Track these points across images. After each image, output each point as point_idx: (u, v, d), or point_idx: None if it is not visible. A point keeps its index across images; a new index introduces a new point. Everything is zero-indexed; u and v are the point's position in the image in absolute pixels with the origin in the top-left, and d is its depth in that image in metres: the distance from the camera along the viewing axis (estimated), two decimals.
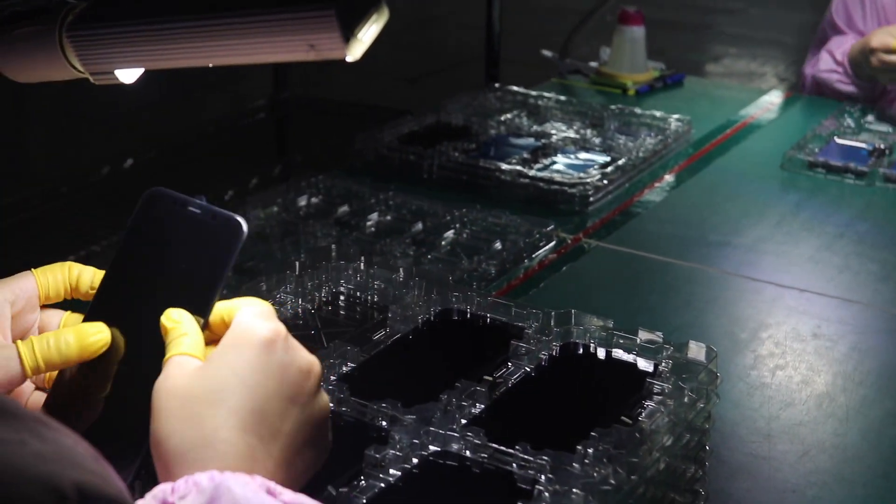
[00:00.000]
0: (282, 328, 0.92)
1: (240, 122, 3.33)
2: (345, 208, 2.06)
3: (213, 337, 0.95)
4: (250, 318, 0.92)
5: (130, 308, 0.99)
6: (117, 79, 1.01)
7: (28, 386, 1.02)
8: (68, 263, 1.01)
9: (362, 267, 1.64)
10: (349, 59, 0.88)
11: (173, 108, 3.24)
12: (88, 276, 1.02)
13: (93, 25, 0.98)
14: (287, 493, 0.84)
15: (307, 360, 0.92)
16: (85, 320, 0.99)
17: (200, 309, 0.96)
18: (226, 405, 0.87)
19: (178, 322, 0.95)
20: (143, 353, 0.97)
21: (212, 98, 3.42)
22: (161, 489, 0.83)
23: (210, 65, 0.94)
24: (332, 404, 1.16)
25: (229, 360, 0.90)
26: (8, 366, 0.95)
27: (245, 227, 0.96)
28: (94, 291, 1.01)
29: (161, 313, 0.96)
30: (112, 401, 0.98)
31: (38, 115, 3.11)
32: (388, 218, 2.04)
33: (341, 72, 3.42)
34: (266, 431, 0.89)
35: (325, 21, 0.86)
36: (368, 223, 2.01)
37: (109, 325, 0.98)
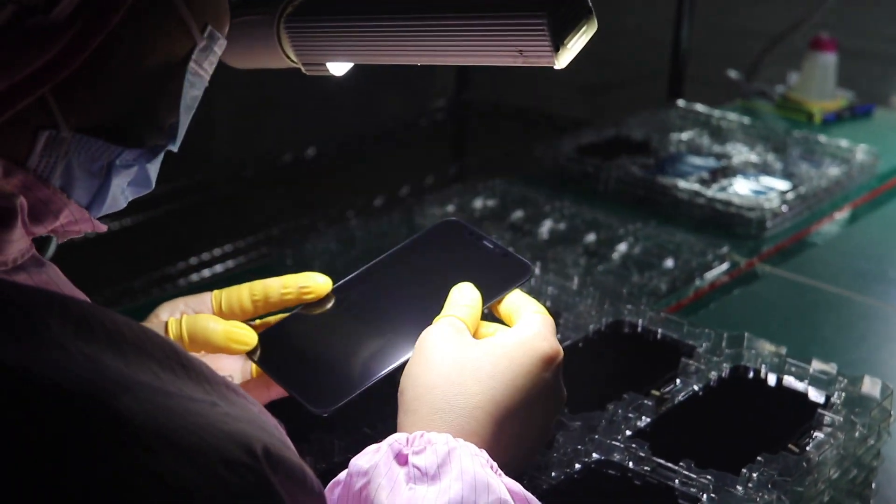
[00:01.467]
0: (561, 352, 1.00)
1: (419, 120, 3.38)
2: (519, 213, 2.09)
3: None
4: (539, 326, 1.00)
5: (385, 297, 1.08)
6: (328, 71, 1.06)
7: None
8: (248, 284, 1.10)
9: (537, 272, 1.66)
10: (557, 67, 0.91)
11: (357, 103, 3.31)
12: (277, 285, 1.09)
13: (309, 19, 1.02)
14: (507, 478, 0.91)
15: (562, 389, 1.01)
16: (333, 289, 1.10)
17: None
18: (491, 393, 0.94)
19: (468, 293, 1.03)
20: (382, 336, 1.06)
21: (394, 96, 3.48)
22: (396, 439, 0.91)
23: (419, 63, 0.98)
24: None
25: (509, 353, 0.97)
26: (203, 308, 1.09)
27: (533, 270, 1.07)
28: (287, 296, 1.09)
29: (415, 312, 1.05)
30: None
31: (227, 99, 3.21)
32: (562, 226, 2.05)
33: (523, 77, 3.45)
34: (511, 431, 0.95)
35: (537, 28, 0.88)
36: (542, 230, 2.03)
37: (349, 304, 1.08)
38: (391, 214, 2.07)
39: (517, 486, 0.91)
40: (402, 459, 0.89)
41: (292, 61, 1.05)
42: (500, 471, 0.90)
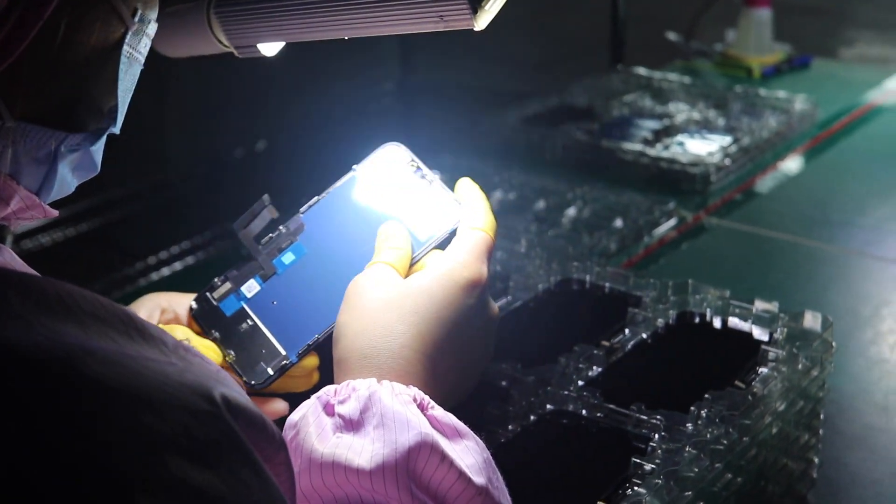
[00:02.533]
0: (486, 273, 1.02)
1: (367, 105, 3.41)
2: None
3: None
4: (466, 254, 1.02)
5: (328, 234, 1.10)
6: (259, 52, 1.09)
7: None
8: None
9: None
10: (476, 28, 0.95)
11: (305, 92, 3.33)
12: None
13: (238, 1, 1.06)
14: (438, 410, 0.93)
15: (493, 310, 1.03)
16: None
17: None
18: (416, 329, 0.97)
19: (394, 235, 1.05)
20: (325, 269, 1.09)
21: (341, 83, 3.50)
22: (325, 391, 0.94)
23: (346, 37, 1.01)
24: None
25: (429, 286, 0.99)
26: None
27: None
28: None
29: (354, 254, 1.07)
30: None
31: (174, 97, 3.22)
32: (512, 196, 2.10)
33: (466, 58, 3.48)
34: (441, 363, 0.98)
35: None
36: (491, 200, 2.07)
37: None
38: None
39: (448, 418, 0.93)
40: (329, 410, 0.92)
41: (224, 45, 1.08)
42: (431, 403, 0.92)
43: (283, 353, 1.07)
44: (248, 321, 1.09)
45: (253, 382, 1.07)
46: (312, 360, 1.10)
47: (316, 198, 1.13)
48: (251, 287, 1.11)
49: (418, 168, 1.11)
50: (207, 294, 1.11)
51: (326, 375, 1.05)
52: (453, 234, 1.06)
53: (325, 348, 1.05)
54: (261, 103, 3.27)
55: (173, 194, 2.87)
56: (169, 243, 2.33)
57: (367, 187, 1.11)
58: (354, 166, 1.13)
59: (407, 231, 1.06)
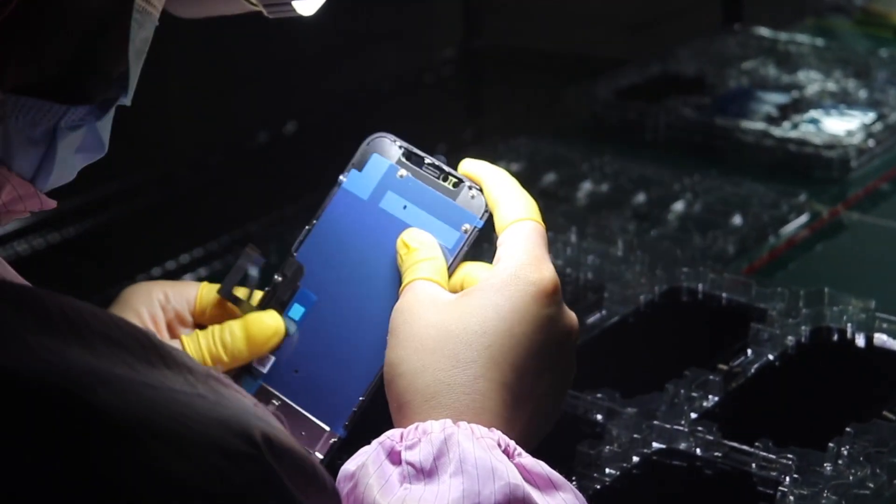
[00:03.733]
0: (556, 277, 0.99)
1: (423, 77, 3.42)
2: (551, 176, 2.15)
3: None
4: (527, 256, 0.98)
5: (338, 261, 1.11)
6: (294, 11, 1.11)
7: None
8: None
9: (574, 239, 1.73)
10: None
11: (343, 63, 3.36)
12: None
13: None
14: (527, 458, 0.92)
15: (571, 318, 1.00)
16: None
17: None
18: (489, 352, 0.94)
19: (421, 243, 1.03)
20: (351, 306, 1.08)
21: (389, 51, 3.52)
22: (389, 436, 0.93)
23: None
24: None
25: (495, 301, 0.96)
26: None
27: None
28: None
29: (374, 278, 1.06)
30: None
31: (180, 73, 3.25)
32: (604, 188, 2.11)
33: (548, 17, 3.50)
34: (521, 392, 0.96)
35: None
36: (580, 194, 2.09)
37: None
38: None
39: (540, 467, 0.92)
40: (395, 458, 0.91)
41: (251, 2, 1.10)
42: (517, 448, 0.92)
43: (328, 428, 1.07)
44: (274, 401, 1.10)
45: None
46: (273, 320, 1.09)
47: (306, 227, 1.11)
48: (263, 360, 1.12)
49: (416, 157, 1.09)
50: None
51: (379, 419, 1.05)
52: (482, 230, 1.05)
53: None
54: (290, 76, 3.30)
55: (181, 190, 2.89)
56: (176, 252, 2.36)
57: (362, 199, 1.10)
58: (341, 177, 1.11)
59: (430, 236, 1.04)
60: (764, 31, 2.74)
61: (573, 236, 1.75)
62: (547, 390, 0.99)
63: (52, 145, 0.83)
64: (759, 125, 2.26)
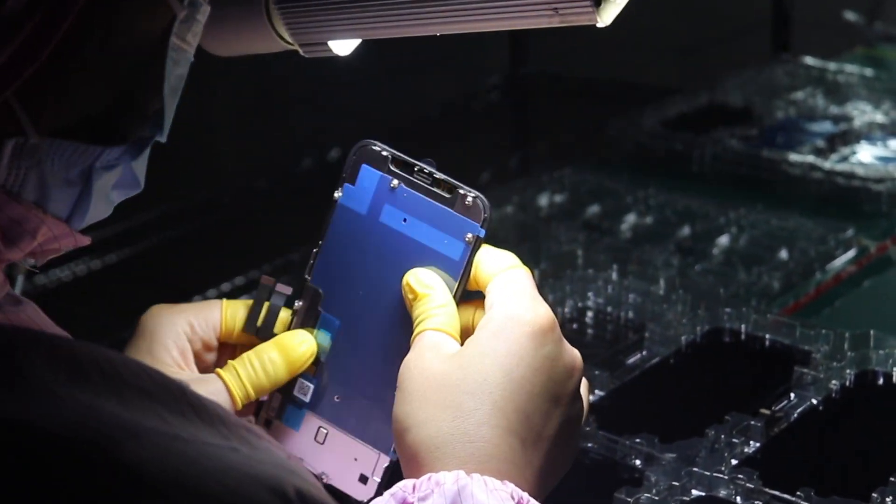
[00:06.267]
0: (551, 314, 0.98)
1: (469, 104, 3.42)
2: (595, 208, 2.13)
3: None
4: (517, 297, 0.98)
5: (350, 292, 1.09)
6: (331, 51, 1.10)
7: None
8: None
9: (615, 277, 1.71)
10: (600, 24, 0.95)
11: (389, 89, 3.36)
12: (286, 316, 1.11)
13: None
14: None
15: (572, 354, 0.99)
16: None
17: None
18: (491, 399, 0.94)
19: (430, 289, 1.02)
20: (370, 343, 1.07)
21: (435, 76, 3.52)
22: (401, 487, 0.92)
23: (437, 34, 1.03)
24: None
25: (492, 346, 0.96)
26: (217, 400, 1.01)
27: (487, 211, 1.04)
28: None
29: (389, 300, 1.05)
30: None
31: (226, 99, 3.25)
32: (648, 220, 2.10)
33: (595, 43, 3.48)
34: (529, 435, 0.95)
35: None
36: (623, 226, 2.07)
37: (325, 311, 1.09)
38: None
39: None
40: None
41: (287, 42, 1.10)
42: (530, 500, 0.92)
43: (379, 453, 1.07)
44: (321, 429, 1.09)
45: (363, 498, 1.07)
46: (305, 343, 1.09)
47: (314, 250, 1.11)
48: (303, 389, 1.11)
49: (405, 164, 1.07)
50: (262, 412, 1.12)
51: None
52: (484, 239, 1.03)
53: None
54: (334, 101, 3.30)
55: (223, 217, 2.90)
56: (219, 279, 2.35)
57: (361, 214, 1.09)
58: (336, 194, 1.10)
59: (438, 276, 1.03)
60: (812, 61, 2.73)
61: (614, 274, 1.73)
62: (557, 430, 0.98)
63: (88, 186, 0.83)
64: (807, 157, 2.24)
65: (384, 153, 1.08)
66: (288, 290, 1.12)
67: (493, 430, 0.94)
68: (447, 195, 1.05)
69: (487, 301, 0.99)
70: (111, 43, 0.80)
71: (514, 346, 0.96)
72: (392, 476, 0.99)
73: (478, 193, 1.04)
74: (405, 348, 1.01)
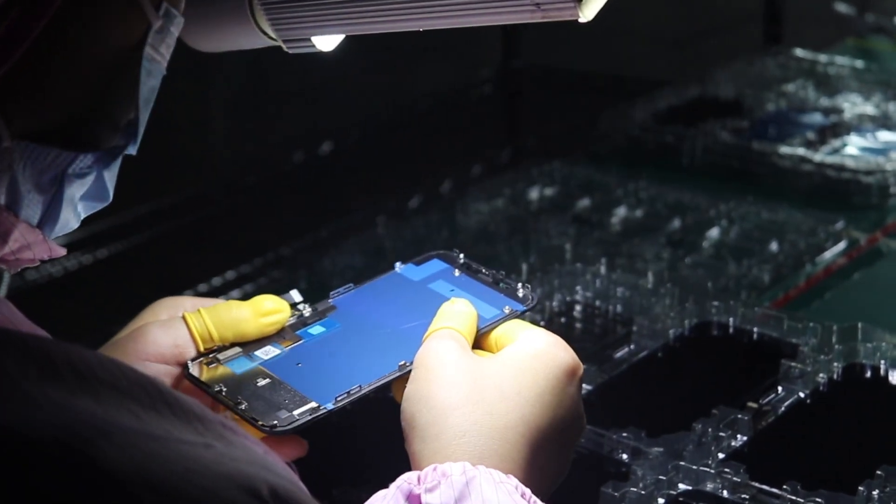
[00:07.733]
0: (580, 362, 1.03)
1: (460, 97, 3.42)
2: (585, 202, 2.13)
3: None
4: (549, 337, 1.02)
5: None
6: (314, 46, 1.11)
7: None
8: (233, 303, 1.10)
9: (603, 271, 1.71)
10: (582, 19, 0.95)
11: (379, 82, 3.36)
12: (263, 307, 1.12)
13: None
14: None
15: (581, 407, 1.03)
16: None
17: None
18: (521, 411, 0.97)
19: (459, 301, 1.06)
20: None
21: (427, 70, 3.52)
22: (406, 479, 0.93)
23: (420, 29, 1.03)
24: None
25: (532, 366, 1.00)
26: (178, 341, 1.07)
27: (535, 300, 1.09)
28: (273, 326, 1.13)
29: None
30: None
31: (217, 93, 3.25)
32: (639, 213, 2.10)
33: (586, 36, 3.48)
34: (542, 456, 0.98)
35: None
36: (614, 220, 2.07)
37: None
38: (428, 216, 2.12)
39: None
40: (414, 501, 0.92)
41: (270, 38, 1.10)
42: (533, 498, 0.93)
43: (314, 402, 1.07)
44: (265, 379, 1.10)
45: (275, 423, 1.06)
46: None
47: (350, 284, 1.16)
48: (267, 352, 1.12)
49: (475, 267, 1.15)
50: (211, 355, 1.13)
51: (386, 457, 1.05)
52: (521, 315, 1.09)
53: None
54: (325, 96, 3.30)
55: (215, 211, 2.90)
56: (209, 274, 2.35)
57: (412, 281, 1.15)
58: (397, 264, 1.16)
59: (467, 302, 1.08)
60: (802, 53, 2.73)
61: (603, 268, 1.73)
62: (559, 456, 1.01)
63: (59, 192, 0.83)
64: (797, 150, 2.24)
65: (461, 259, 1.16)
66: (299, 297, 1.15)
67: (517, 436, 0.96)
68: (502, 286, 1.12)
69: (512, 328, 1.05)
70: (85, 49, 0.80)
71: (551, 375, 0.99)
72: (396, 471, 0.99)
73: (531, 288, 1.10)
74: (390, 358, 1.05)
